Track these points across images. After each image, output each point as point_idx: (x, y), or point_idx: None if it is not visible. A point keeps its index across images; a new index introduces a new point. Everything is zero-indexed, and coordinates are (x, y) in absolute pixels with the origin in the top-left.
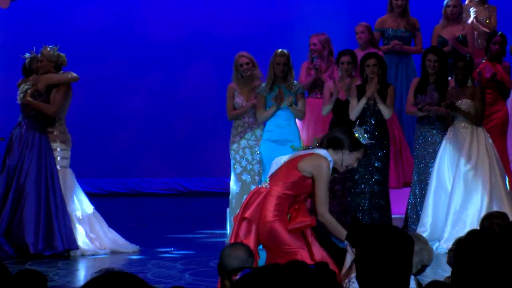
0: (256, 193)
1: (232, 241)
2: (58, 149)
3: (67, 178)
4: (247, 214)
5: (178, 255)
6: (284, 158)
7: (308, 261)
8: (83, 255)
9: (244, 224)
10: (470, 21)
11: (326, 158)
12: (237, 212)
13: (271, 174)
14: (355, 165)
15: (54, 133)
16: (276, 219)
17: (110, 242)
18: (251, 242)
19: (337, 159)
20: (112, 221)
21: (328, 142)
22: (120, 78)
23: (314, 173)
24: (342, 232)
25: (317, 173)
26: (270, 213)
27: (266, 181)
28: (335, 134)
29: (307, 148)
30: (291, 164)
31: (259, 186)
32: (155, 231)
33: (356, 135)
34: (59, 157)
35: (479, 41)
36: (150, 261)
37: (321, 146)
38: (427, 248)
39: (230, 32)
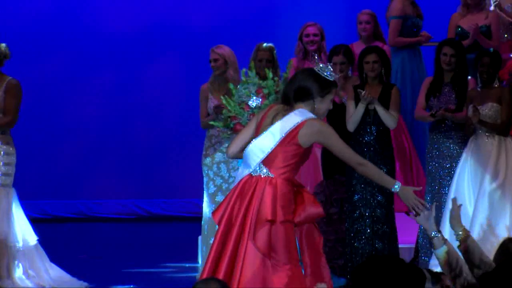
0: (254, 187)
1: (216, 244)
2: (1, 163)
3: (10, 200)
4: (270, 215)
5: None
6: (267, 141)
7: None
8: None
9: (260, 230)
10: (492, 8)
11: (313, 118)
12: (221, 210)
13: (266, 160)
14: (331, 106)
15: None
16: (284, 219)
17: (52, 280)
18: (264, 244)
19: (310, 110)
20: (57, 252)
21: (295, 96)
22: (65, 78)
23: (318, 140)
24: (388, 179)
25: (320, 138)
26: (281, 212)
27: (261, 167)
28: (299, 83)
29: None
30: (288, 142)
31: (253, 175)
32: (110, 264)
33: (324, 74)
34: None
35: (504, 33)
36: None
37: (287, 103)
38: None
39: (202, 22)
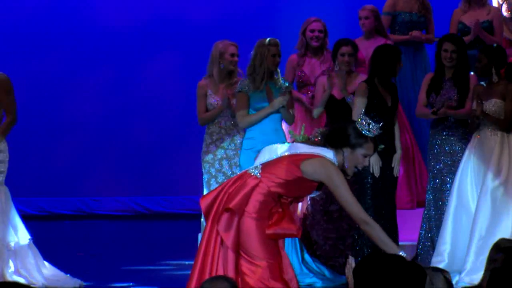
0: (242, 180)
1: (205, 239)
2: None
3: (1, 198)
4: (232, 204)
5: None
6: (280, 149)
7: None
8: None
9: (225, 216)
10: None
11: (331, 162)
12: (208, 196)
13: (265, 164)
14: (366, 163)
15: None
16: (256, 216)
17: (44, 279)
18: (230, 239)
19: (339, 160)
20: (55, 249)
21: (326, 141)
22: (63, 75)
23: (325, 181)
24: (391, 245)
25: (328, 182)
26: (251, 208)
27: (257, 168)
28: (331, 130)
29: (308, 140)
30: (291, 160)
31: (248, 171)
32: (109, 262)
33: (359, 127)
34: None
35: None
36: None
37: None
38: None
39: (201, 18)
